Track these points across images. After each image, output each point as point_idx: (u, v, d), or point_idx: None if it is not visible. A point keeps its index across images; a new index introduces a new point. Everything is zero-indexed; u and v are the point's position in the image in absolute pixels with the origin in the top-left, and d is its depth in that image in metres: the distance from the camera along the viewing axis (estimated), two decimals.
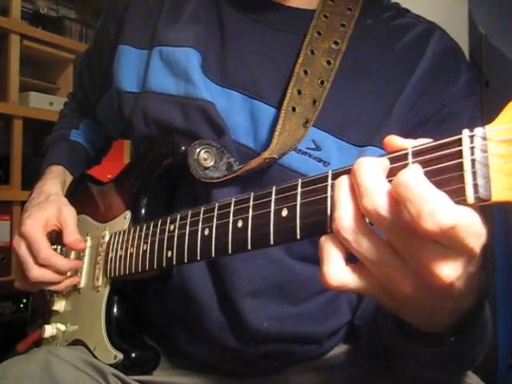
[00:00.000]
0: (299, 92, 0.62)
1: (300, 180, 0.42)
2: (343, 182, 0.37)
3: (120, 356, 0.64)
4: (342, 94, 0.64)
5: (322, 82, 0.63)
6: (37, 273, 0.70)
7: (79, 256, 0.76)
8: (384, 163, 0.36)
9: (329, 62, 0.64)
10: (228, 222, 0.49)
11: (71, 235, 0.73)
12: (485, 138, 0.32)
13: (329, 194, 0.40)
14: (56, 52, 2.30)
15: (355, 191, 0.35)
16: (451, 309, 0.40)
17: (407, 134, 0.63)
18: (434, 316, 0.40)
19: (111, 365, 0.65)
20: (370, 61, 0.67)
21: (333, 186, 0.37)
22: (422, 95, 0.65)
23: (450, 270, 0.33)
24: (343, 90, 0.64)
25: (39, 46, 2.23)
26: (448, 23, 0.72)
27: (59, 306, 0.76)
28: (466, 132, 0.33)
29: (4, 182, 2.08)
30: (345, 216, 0.35)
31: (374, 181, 0.34)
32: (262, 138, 0.63)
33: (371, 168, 0.35)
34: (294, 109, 0.61)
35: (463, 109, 0.65)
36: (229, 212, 0.49)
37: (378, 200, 0.33)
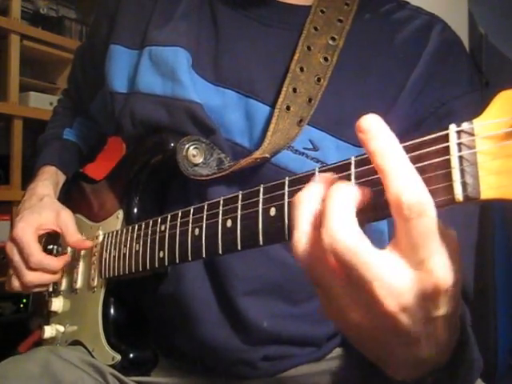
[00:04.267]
0: (294, 90, 0.61)
1: (287, 178, 0.42)
2: (305, 199, 0.35)
3: (118, 357, 0.64)
4: (340, 92, 0.63)
5: (319, 80, 0.62)
6: (30, 277, 0.71)
7: (75, 256, 0.76)
8: (357, 198, 0.34)
9: (326, 59, 0.63)
10: (217, 221, 0.48)
11: (74, 236, 0.74)
12: (472, 134, 0.31)
13: None
14: (56, 52, 2.31)
15: (317, 212, 0.34)
16: (413, 356, 0.36)
17: (406, 132, 0.62)
18: (392, 355, 0.37)
19: (109, 366, 0.65)
20: (369, 57, 0.65)
21: (292, 200, 0.36)
22: (421, 91, 0.63)
23: (393, 301, 0.32)
24: (341, 88, 0.63)
25: (39, 46, 2.24)
26: (448, 23, 0.71)
27: (57, 306, 0.77)
28: (452, 127, 0.32)
29: (4, 182, 2.09)
30: (302, 239, 0.34)
31: (339, 218, 0.32)
32: (257, 137, 0.62)
33: (344, 202, 0.33)
34: (288, 108, 0.60)
35: (463, 106, 0.63)
36: (218, 212, 0.48)
37: (339, 238, 0.32)
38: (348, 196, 0.33)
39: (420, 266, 0.32)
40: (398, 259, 0.32)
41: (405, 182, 0.31)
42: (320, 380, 0.69)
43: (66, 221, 0.74)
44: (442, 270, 0.32)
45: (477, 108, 0.67)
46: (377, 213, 0.35)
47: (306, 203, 0.35)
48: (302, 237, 0.35)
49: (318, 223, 0.34)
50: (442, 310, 0.34)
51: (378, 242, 0.62)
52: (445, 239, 0.33)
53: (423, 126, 0.63)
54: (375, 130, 0.33)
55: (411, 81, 0.63)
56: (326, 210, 0.33)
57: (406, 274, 0.32)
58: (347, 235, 0.32)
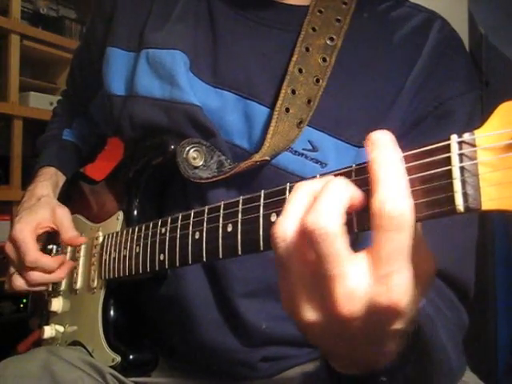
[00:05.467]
0: (293, 92, 0.61)
1: (288, 184, 0.41)
2: (302, 188, 0.36)
3: (118, 359, 0.64)
4: (339, 92, 0.63)
5: (318, 81, 0.61)
6: (34, 275, 0.71)
7: (75, 257, 0.76)
8: (353, 197, 0.34)
9: (324, 59, 0.62)
10: (218, 226, 0.48)
11: (68, 232, 0.74)
12: (474, 145, 0.31)
13: None
14: (56, 52, 2.31)
15: (308, 201, 0.35)
16: (354, 357, 0.38)
17: (405, 133, 0.62)
18: (336, 354, 0.39)
19: (109, 367, 0.65)
20: (368, 56, 0.65)
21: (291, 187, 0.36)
22: (420, 90, 0.63)
23: (347, 304, 0.33)
24: (340, 88, 0.63)
25: (39, 46, 2.24)
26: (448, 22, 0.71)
27: (57, 306, 0.77)
28: (454, 138, 0.32)
29: (4, 182, 2.09)
30: (284, 223, 0.35)
31: (330, 205, 0.33)
32: (257, 139, 0.62)
33: (339, 194, 0.33)
34: (287, 110, 0.60)
35: (461, 106, 0.63)
36: (218, 216, 0.48)
37: (322, 222, 0.32)
38: (346, 191, 0.34)
39: (382, 280, 0.32)
40: (366, 266, 0.33)
41: (394, 194, 0.32)
42: (319, 380, 0.69)
43: (61, 217, 0.75)
44: (400, 290, 0.32)
45: (474, 108, 0.67)
46: (363, 222, 0.36)
47: (303, 189, 0.36)
48: (287, 216, 0.35)
49: (307, 208, 0.34)
50: (394, 326, 0.34)
51: None
52: (419, 258, 0.34)
53: (421, 125, 0.63)
54: (382, 141, 0.33)
55: (410, 80, 0.63)
56: (320, 195, 0.34)
57: (367, 283, 0.33)
58: (331, 222, 0.32)
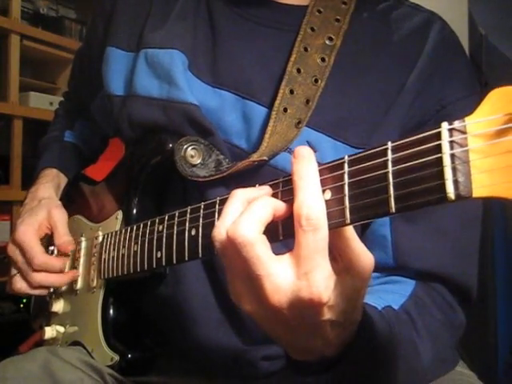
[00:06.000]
0: (291, 92, 0.61)
1: (281, 178, 0.42)
2: (237, 195, 0.41)
3: (116, 358, 0.64)
4: (338, 93, 0.62)
5: (316, 81, 0.61)
6: (38, 278, 0.71)
7: (74, 257, 0.77)
8: (268, 214, 0.39)
9: (323, 59, 0.62)
10: (213, 221, 0.48)
11: (61, 237, 0.74)
12: (464, 132, 0.31)
13: None
14: (56, 52, 2.31)
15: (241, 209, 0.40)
16: (297, 344, 0.43)
17: (407, 134, 0.62)
18: (280, 340, 0.44)
19: (108, 366, 0.65)
20: (368, 56, 0.65)
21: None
22: (421, 92, 0.63)
23: (276, 297, 0.38)
24: (339, 88, 0.63)
25: (39, 46, 2.25)
26: (448, 23, 0.71)
27: (58, 307, 0.77)
28: (444, 125, 0.32)
29: (4, 182, 2.09)
30: (217, 228, 0.40)
31: (248, 218, 0.38)
32: (255, 139, 0.62)
33: (259, 207, 0.39)
34: (285, 110, 0.60)
35: (461, 111, 0.61)
36: (214, 212, 0.48)
37: (240, 232, 0.38)
38: (267, 205, 0.39)
39: (303, 277, 0.37)
40: (289, 266, 0.38)
41: (311, 200, 0.37)
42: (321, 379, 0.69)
43: (55, 220, 0.75)
44: (319, 285, 0.37)
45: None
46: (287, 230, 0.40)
47: (238, 196, 0.41)
48: (220, 222, 0.40)
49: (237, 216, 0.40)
50: (323, 316, 0.39)
51: (381, 246, 0.63)
52: (354, 255, 0.39)
53: (425, 128, 0.62)
54: (304, 156, 0.39)
55: (410, 81, 0.63)
56: (245, 209, 0.39)
57: (291, 280, 0.38)
58: (248, 232, 0.37)
